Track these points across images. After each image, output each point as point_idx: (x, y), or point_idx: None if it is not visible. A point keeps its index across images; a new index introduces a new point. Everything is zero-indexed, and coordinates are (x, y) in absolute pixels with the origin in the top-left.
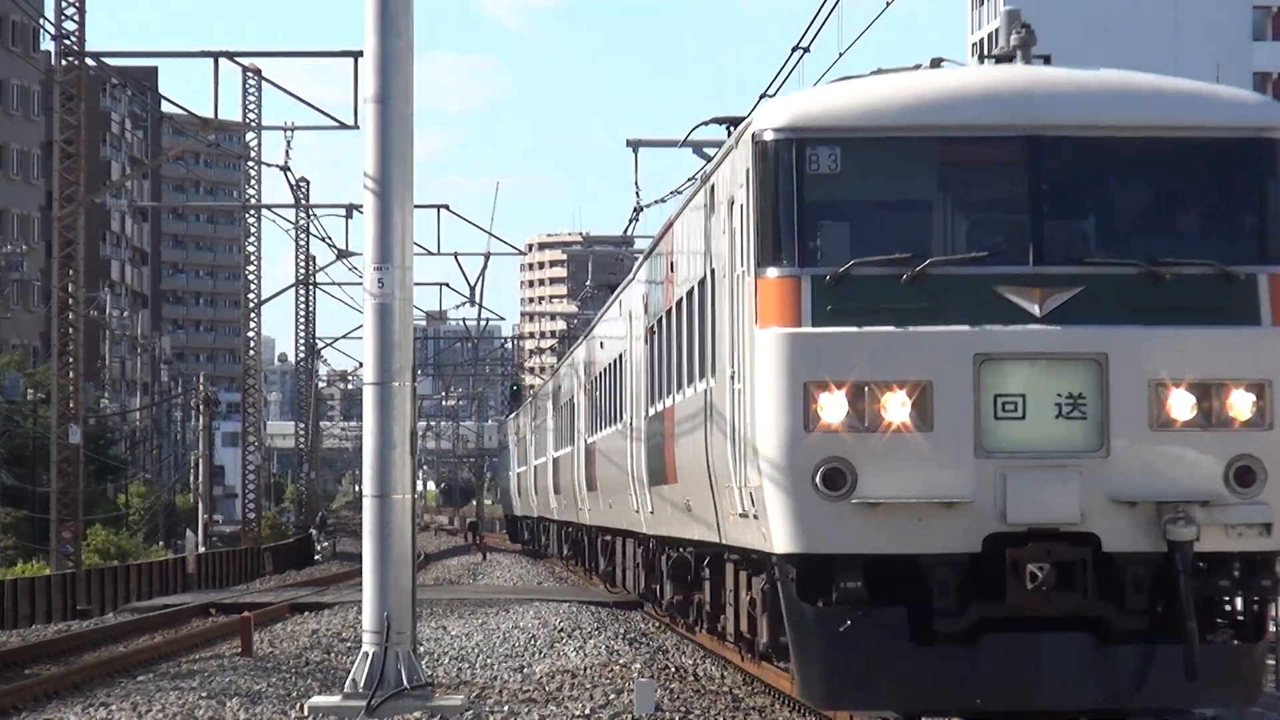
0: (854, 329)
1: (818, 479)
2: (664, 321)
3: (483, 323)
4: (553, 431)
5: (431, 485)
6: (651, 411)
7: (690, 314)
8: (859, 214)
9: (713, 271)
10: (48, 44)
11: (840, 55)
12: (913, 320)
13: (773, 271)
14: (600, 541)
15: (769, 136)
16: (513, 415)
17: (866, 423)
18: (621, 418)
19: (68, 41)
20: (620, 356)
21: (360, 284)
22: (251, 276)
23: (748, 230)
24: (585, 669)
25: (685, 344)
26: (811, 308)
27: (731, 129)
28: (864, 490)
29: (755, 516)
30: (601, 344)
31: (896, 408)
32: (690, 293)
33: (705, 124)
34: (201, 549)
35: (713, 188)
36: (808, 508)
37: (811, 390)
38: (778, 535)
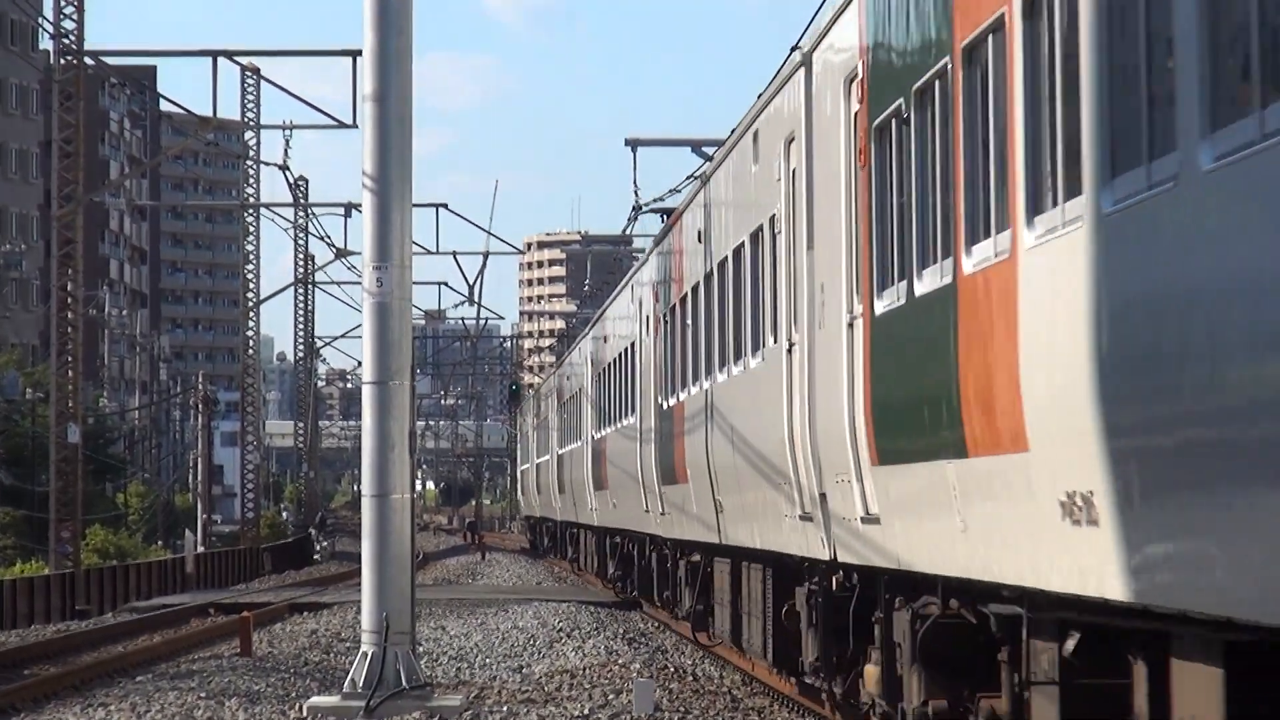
0: None
1: None
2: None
3: (481, 322)
4: (592, 405)
5: (430, 485)
6: (904, 300)
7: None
8: None
9: None
10: (46, 43)
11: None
12: None
13: None
14: (685, 564)
15: None
16: (531, 394)
17: None
18: (760, 348)
19: (66, 40)
20: (740, 248)
21: (359, 283)
22: (250, 275)
23: None
24: (584, 669)
25: (997, 154)
26: None
27: None
28: None
29: None
30: (682, 256)
31: None
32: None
33: None
34: (200, 549)
35: None
36: None
37: None
38: None
